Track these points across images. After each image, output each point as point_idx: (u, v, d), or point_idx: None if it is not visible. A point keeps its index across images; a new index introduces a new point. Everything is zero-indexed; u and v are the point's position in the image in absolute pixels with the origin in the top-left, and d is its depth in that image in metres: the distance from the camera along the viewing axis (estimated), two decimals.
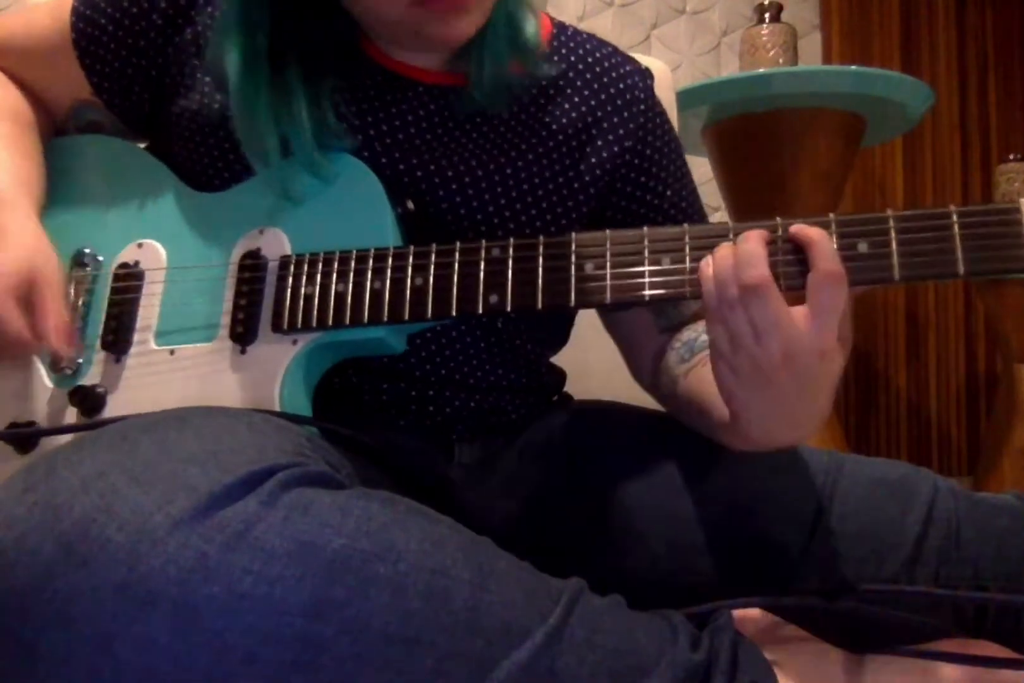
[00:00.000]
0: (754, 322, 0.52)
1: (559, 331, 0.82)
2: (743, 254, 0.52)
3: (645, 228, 0.57)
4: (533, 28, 0.70)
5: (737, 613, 0.57)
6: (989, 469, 2.20)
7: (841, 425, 1.92)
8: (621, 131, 0.74)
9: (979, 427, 2.66)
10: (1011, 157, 2.30)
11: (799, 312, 0.52)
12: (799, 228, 0.53)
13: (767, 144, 1.80)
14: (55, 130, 0.80)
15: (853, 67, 1.84)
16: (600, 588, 0.52)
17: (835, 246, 0.52)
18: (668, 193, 0.77)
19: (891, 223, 0.52)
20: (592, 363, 0.86)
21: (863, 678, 0.55)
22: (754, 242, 0.53)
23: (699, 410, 0.66)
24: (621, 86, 0.75)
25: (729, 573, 0.66)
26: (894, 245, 0.52)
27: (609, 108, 0.74)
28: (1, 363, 0.70)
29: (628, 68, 0.77)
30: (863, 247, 0.52)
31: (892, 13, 2.66)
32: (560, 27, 0.77)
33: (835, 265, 0.51)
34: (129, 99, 0.75)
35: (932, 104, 1.80)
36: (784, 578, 0.64)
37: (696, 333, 0.72)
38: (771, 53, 1.82)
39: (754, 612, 0.64)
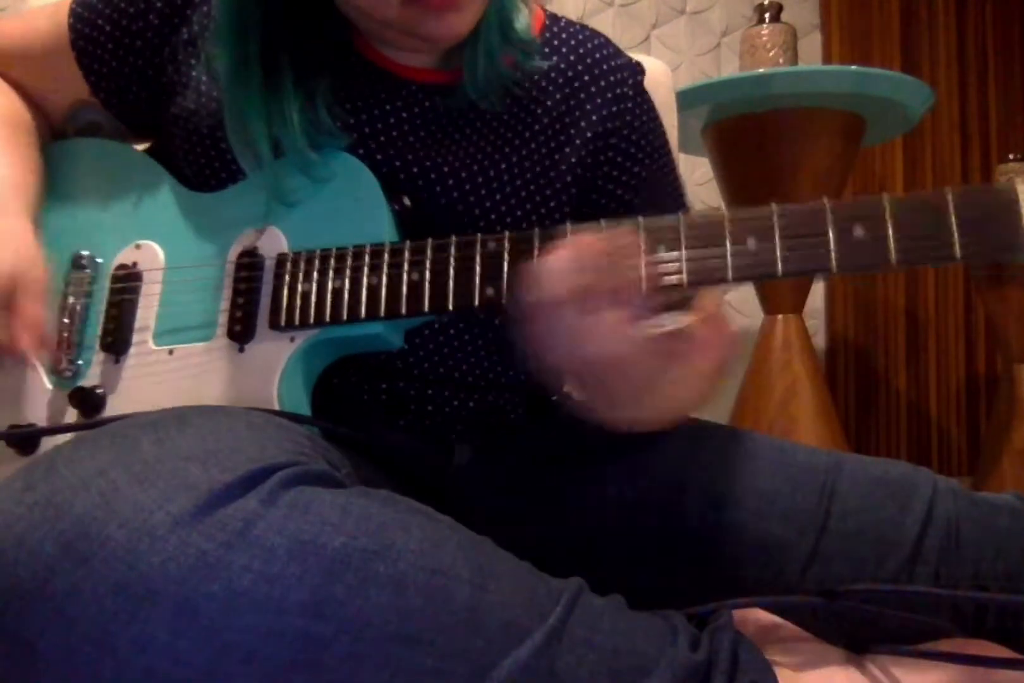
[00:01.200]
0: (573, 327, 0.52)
1: None
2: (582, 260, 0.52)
3: (640, 218, 0.57)
4: (524, 21, 0.70)
5: (737, 613, 0.57)
6: (989, 469, 2.20)
7: (841, 425, 1.91)
8: (608, 125, 0.74)
9: (979, 427, 2.66)
10: (1011, 157, 2.29)
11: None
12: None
13: (767, 144, 1.80)
14: (54, 132, 0.80)
15: (853, 67, 1.84)
16: (600, 588, 0.52)
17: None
18: (648, 191, 0.77)
19: (886, 207, 0.52)
20: None
21: (863, 678, 0.55)
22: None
23: None
24: (611, 79, 0.75)
25: (729, 572, 0.66)
26: (890, 229, 0.51)
27: (598, 100, 0.74)
28: None
29: (617, 62, 0.77)
30: (859, 232, 0.52)
31: (892, 13, 2.66)
32: (552, 18, 0.78)
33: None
34: (126, 99, 0.75)
35: (932, 104, 1.80)
36: (784, 578, 0.64)
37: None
38: (771, 53, 1.82)
39: (754, 612, 0.64)
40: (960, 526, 0.63)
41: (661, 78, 1.14)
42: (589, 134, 0.74)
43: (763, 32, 1.83)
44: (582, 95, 0.74)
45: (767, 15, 1.85)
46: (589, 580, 0.52)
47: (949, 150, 2.70)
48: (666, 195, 0.79)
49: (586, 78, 0.75)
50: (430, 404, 0.71)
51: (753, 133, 1.81)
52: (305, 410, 0.64)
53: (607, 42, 0.78)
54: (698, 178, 2.38)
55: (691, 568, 0.67)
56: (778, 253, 0.53)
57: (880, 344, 2.65)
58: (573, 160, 0.73)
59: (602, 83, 0.75)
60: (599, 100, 0.75)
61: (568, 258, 0.52)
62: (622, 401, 0.57)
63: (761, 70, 1.77)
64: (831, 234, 0.52)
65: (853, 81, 1.72)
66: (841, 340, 2.61)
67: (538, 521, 0.72)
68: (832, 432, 1.84)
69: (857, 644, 0.59)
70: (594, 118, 0.74)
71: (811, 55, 2.53)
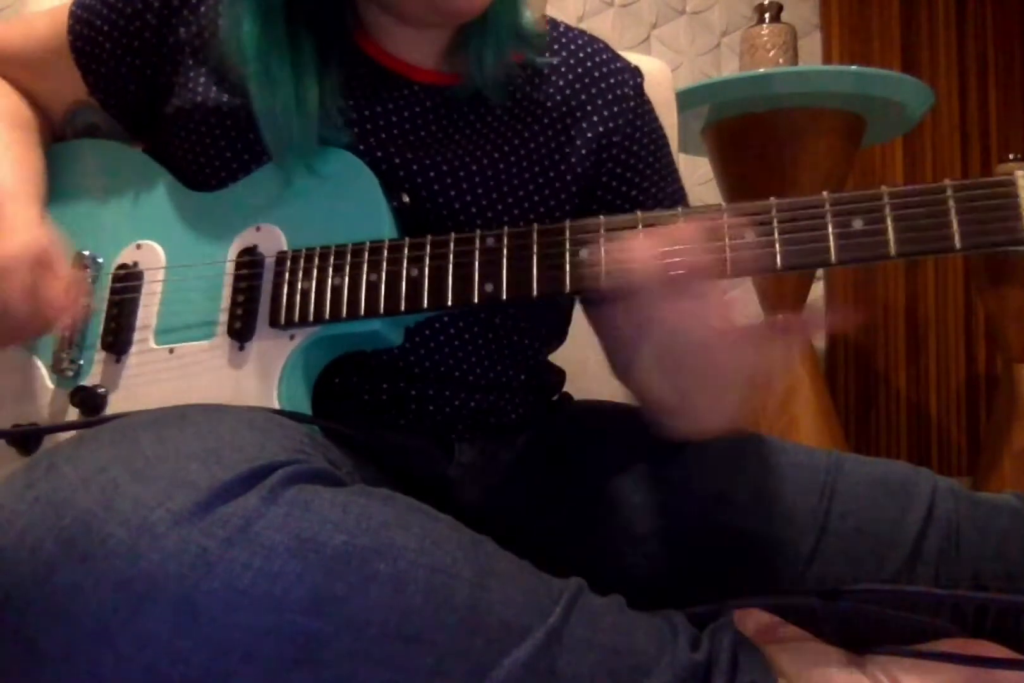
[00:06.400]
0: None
1: (557, 327, 0.83)
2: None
3: (639, 213, 0.57)
4: (531, 15, 0.71)
5: (737, 613, 0.57)
6: (989, 469, 2.20)
7: (841, 425, 1.91)
8: (611, 124, 0.75)
9: (979, 427, 2.66)
10: (1011, 157, 2.29)
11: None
12: None
13: (767, 144, 1.80)
14: (54, 134, 0.80)
15: (853, 67, 1.84)
16: (600, 588, 0.52)
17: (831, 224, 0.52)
18: (653, 190, 0.78)
19: (886, 199, 0.52)
20: (592, 363, 0.87)
21: (863, 679, 0.55)
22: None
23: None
24: (612, 81, 0.76)
25: (729, 573, 0.66)
26: (889, 221, 0.51)
27: (599, 101, 0.75)
28: (16, 344, 0.69)
29: (618, 65, 0.78)
30: (858, 224, 0.52)
31: (892, 13, 2.66)
32: (552, 23, 0.78)
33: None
34: (124, 99, 0.75)
35: (932, 104, 1.80)
36: (784, 578, 0.64)
37: None
38: (771, 53, 1.82)
39: (754, 612, 0.64)
40: (960, 526, 0.63)
41: (661, 78, 1.14)
42: (592, 134, 0.74)
43: (763, 32, 1.83)
44: (583, 96, 0.75)
45: (767, 15, 1.85)
46: (589, 580, 0.52)
47: (949, 150, 2.70)
48: (668, 193, 0.80)
49: (587, 80, 0.75)
50: (431, 404, 0.71)
51: (753, 133, 1.81)
52: (305, 408, 0.64)
53: (606, 47, 0.79)
54: (698, 178, 2.38)
55: (691, 568, 0.67)
56: (777, 247, 0.53)
57: (880, 344, 2.65)
58: (576, 159, 0.74)
59: (603, 85, 0.76)
60: (600, 101, 0.75)
61: (656, 244, 0.53)
62: (708, 397, 0.57)
63: (761, 70, 1.77)
64: (830, 227, 0.52)
65: (853, 81, 1.72)
66: (841, 340, 2.61)
67: (538, 521, 0.72)
68: (832, 432, 1.84)
69: (857, 644, 0.59)
70: (596, 118, 0.75)
71: (811, 55, 2.53)
